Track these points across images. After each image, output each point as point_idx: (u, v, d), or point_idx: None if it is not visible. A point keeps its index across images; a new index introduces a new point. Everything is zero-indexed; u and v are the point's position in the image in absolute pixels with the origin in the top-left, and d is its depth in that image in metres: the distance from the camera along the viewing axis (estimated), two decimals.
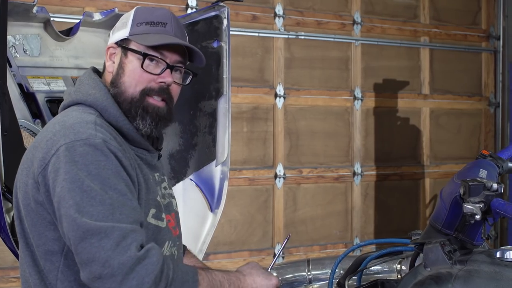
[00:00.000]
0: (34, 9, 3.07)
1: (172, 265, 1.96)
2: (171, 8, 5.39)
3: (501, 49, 7.17)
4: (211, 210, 3.57)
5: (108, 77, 2.20)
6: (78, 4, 5.05)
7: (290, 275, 3.24)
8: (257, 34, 5.82)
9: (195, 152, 3.57)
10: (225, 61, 3.46)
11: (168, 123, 2.23)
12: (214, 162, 3.53)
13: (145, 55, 2.14)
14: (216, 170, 3.54)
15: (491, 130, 7.18)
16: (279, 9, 5.93)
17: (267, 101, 5.88)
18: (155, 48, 2.15)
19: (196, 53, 2.25)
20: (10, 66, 3.05)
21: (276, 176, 5.91)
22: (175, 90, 2.22)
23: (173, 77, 2.18)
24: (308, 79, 6.11)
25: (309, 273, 3.20)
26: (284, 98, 5.93)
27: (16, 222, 2.07)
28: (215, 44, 3.46)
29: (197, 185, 3.58)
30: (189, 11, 5.42)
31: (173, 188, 3.60)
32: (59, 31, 3.26)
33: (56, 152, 1.94)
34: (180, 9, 5.44)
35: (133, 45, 2.16)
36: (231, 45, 3.52)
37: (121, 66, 2.17)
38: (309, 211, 6.11)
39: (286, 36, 5.97)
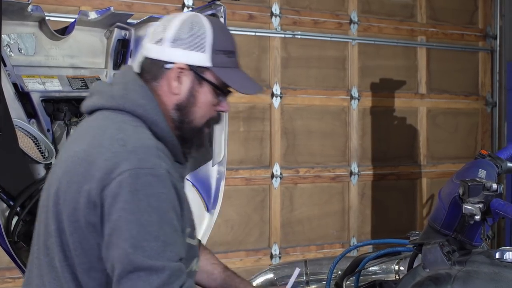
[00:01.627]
0: (29, 8, 3.05)
1: None
2: (167, 7, 5.38)
3: (498, 48, 7.18)
4: (208, 210, 3.56)
5: (171, 98, 2.07)
6: (73, 3, 5.04)
7: (287, 276, 3.23)
8: (253, 34, 5.81)
9: None
10: None
11: None
12: (210, 162, 3.52)
13: (226, 94, 2.10)
14: (212, 170, 3.53)
15: (488, 129, 7.18)
16: (275, 8, 5.92)
17: (263, 101, 5.87)
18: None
19: None
20: (5, 65, 3.03)
21: (272, 176, 5.90)
22: None
23: None
24: (304, 78, 6.10)
25: (306, 274, 3.19)
26: (281, 97, 5.92)
27: (54, 234, 1.97)
28: None
29: (193, 185, 3.57)
30: (185, 10, 5.40)
31: None
32: (55, 30, 3.25)
33: (118, 176, 1.86)
34: (177, 8, 5.43)
35: (211, 77, 2.07)
36: None
37: (193, 94, 2.06)
38: (306, 211, 6.11)
39: (283, 36, 5.96)
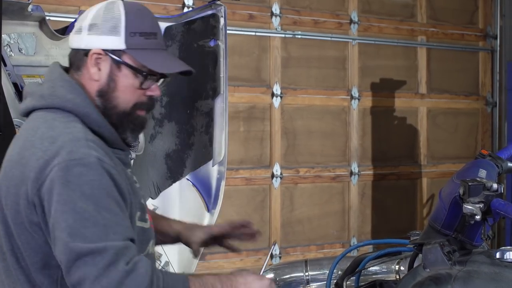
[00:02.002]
0: (29, 8, 3.06)
1: (162, 274, 1.94)
2: (167, 7, 5.38)
3: (498, 48, 7.17)
4: (208, 210, 3.57)
5: (92, 85, 2.08)
6: (73, 3, 5.03)
7: (287, 276, 3.24)
8: (253, 33, 5.81)
9: (192, 152, 3.57)
10: (221, 60, 3.45)
11: None
12: (211, 162, 3.53)
13: (146, 76, 2.07)
14: (213, 170, 3.53)
15: (488, 129, 7.18)
16: (275, 8, 5.92)
17: (264, 101, 5.87)
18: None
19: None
20: (5, 65, 3.04)
21: (273, 175, 5.90)
22: None
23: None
24: (305, 78, 6.10)
25: (306, 274, 3.19)
26: (281, 97, 5.92)
27: (4, 239, 2.00)
28: (211, 43, 3.45)
29: (193, 185, 3.57)
30: (185, 10, 5.40)
31: (169, 188, 3.60)
32: (55, 30, 3.25)
33: (49, 172, 1.89)
34: (177, 8, 5.42)
35: (129, 60, 2.06)
36: (228, 44, 3.50)
37: (112, 79, 2.06)
38: (306, 211, 6.10)
39: (283, 35, 5.96)
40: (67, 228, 1.85)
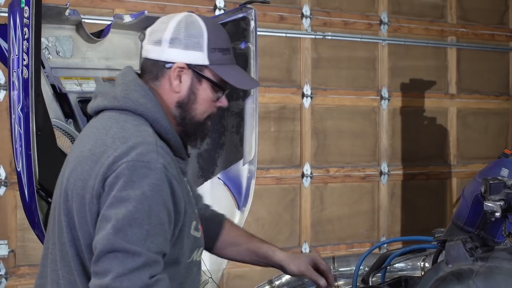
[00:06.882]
0: (67, 12, 3.14)
1: None
2: (199, 9, 5.46)
3: None
4: (239, 208, 3.61)
5: (172, 96, 2.16)
6: (107, 6, 5.13)
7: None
8: (284, 35, 5.86)
9: (223, 151, 3.62)
10: (252, 62, 3.50)
11: None
12: (241, 161, 3.57)
13: (224, 90, 2.18)
14: (243, 169, 3.58)
15: None
16: (306, 10, 5.97)
17: (294, 101, 5.92)
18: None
19: None
20: (43, 67, 3.11)
21: (303, 175, 5.95)
22: None
23: None
24: (335, 79, 6.14)
25: (334, 270, 3.23)
26: (311, 98, 5.97)
27: (65, 230, 2.07)
28: (242, 46, 3.51)
29: (224, 183, 3.62)
30: (217, 12, 5.48)
31: (201, 186, 3.66)
32: (91, 33, 3.33)
33: (116, 168, 1.96)
34: (208, 10, 5.50)
35: (210, 75, 2.15)
36: (259, 45, 3.56)
37: (193, 92, 2.15)
38: (336, 210, 6.14)
39: (313, 37, 6.01)
40: (114, 221, 1.91)
